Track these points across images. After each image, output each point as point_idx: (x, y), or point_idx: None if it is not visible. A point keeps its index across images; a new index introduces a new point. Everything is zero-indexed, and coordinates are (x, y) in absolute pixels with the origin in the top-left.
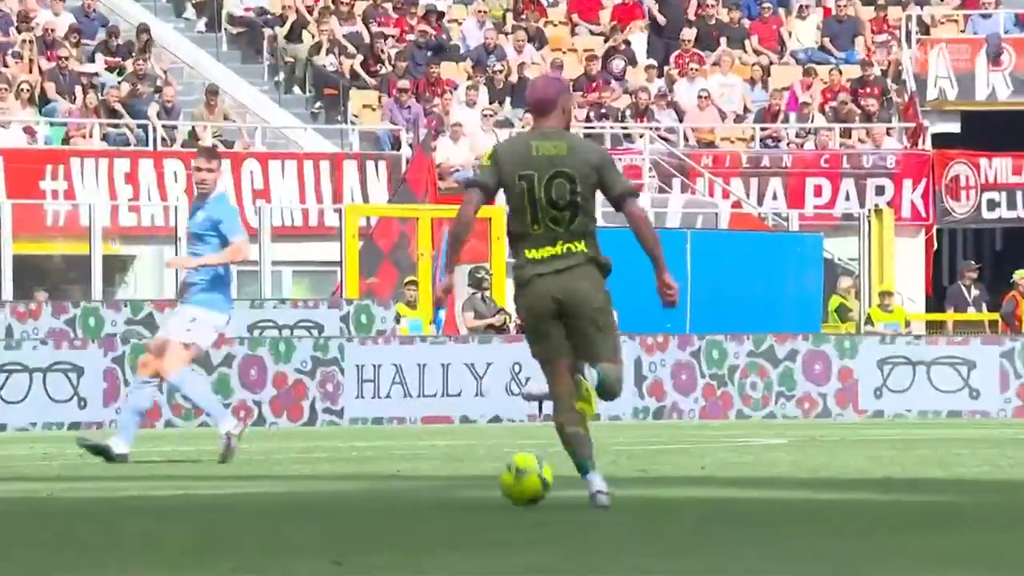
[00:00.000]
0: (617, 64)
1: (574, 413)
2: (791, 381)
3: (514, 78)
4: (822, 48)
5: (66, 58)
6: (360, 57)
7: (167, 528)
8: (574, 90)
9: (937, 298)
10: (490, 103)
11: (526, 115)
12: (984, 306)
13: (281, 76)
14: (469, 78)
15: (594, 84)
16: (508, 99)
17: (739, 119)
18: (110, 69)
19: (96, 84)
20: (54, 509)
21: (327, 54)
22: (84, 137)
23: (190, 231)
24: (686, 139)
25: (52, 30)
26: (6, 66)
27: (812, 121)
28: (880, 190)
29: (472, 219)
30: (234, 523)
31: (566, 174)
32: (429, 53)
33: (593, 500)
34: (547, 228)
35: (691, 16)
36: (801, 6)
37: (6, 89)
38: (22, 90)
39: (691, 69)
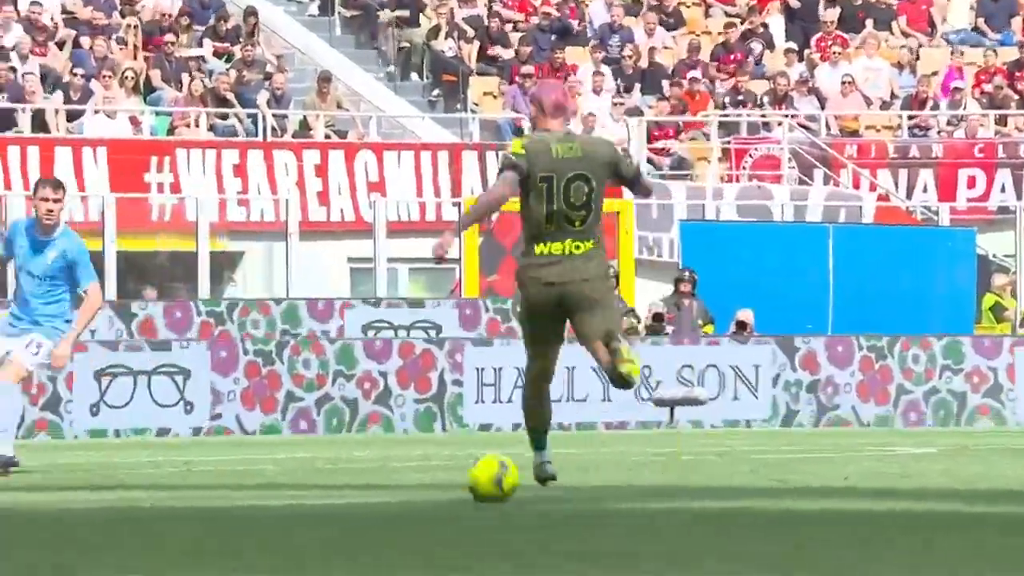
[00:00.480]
0: (755, 46)
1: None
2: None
3: (644, 63)
4: (976, 29)
5: (172, 43)
6: (480, 41)
7: (280, 539)
8: (708, 74)
9: None
10: (619, 90)
11: (660, 103)
12: None
13: (397, 62)
14: (600, 62)
15: (730, 69)
16: (638, 85)
17: (885, 106)
18: (218, 55)
19: (203, 71)
20: (155, 516)
21: (446, 38)
22: (190, 127)
23: (34, 273)
24: (828, 128)
25: (163, 15)
26: (110, 52)
27: (964, 108)
28: None
29: (506, 199)
30: (348, 533)
31: (584, 176)
32: (554, 36)
33: (542, 470)
34: (559, 227)
35: None
36: None
37: (110, 76)
38: (126, 77)
39: (834, 53)
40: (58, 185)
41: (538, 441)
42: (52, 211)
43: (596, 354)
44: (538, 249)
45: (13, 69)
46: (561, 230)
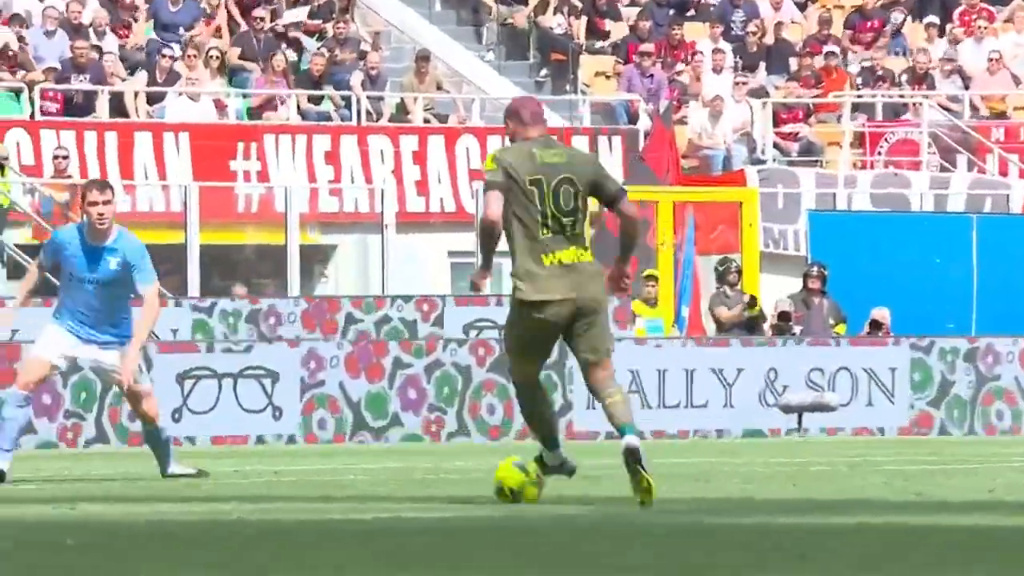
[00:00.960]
0: (895, 16)
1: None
2: None
3: (769, 39)
4: None
5: (260, 19)
6: (589, 16)
7: (363, 553)
8: (842, 48)
9: None
10: (740, 69)
11: (789, 83)
12: None
13: (501, 39)
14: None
15: (866, 40)
16: (763, 64)
17: None
18: (309, 33)
19: (293, 50)
20: (243, 531)
21: (554, 14)
22: (278, 110)
23: (94, 282)
24: (973, 109)
25: None
26: (194, 31)
27: None
28: None
29: (500, 217)
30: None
31: (571, 180)
32: (671, 11)
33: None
34: (555, 233)
35: None
36: None
37: (194, 56)
38: (211, 57)
39: (979, 27)
40: (105, 186)
41: (553, 440)
42: (103, 214)
43: (589, 377)
44: (546, 259)
45: (98, 49)
46: (557, 236)
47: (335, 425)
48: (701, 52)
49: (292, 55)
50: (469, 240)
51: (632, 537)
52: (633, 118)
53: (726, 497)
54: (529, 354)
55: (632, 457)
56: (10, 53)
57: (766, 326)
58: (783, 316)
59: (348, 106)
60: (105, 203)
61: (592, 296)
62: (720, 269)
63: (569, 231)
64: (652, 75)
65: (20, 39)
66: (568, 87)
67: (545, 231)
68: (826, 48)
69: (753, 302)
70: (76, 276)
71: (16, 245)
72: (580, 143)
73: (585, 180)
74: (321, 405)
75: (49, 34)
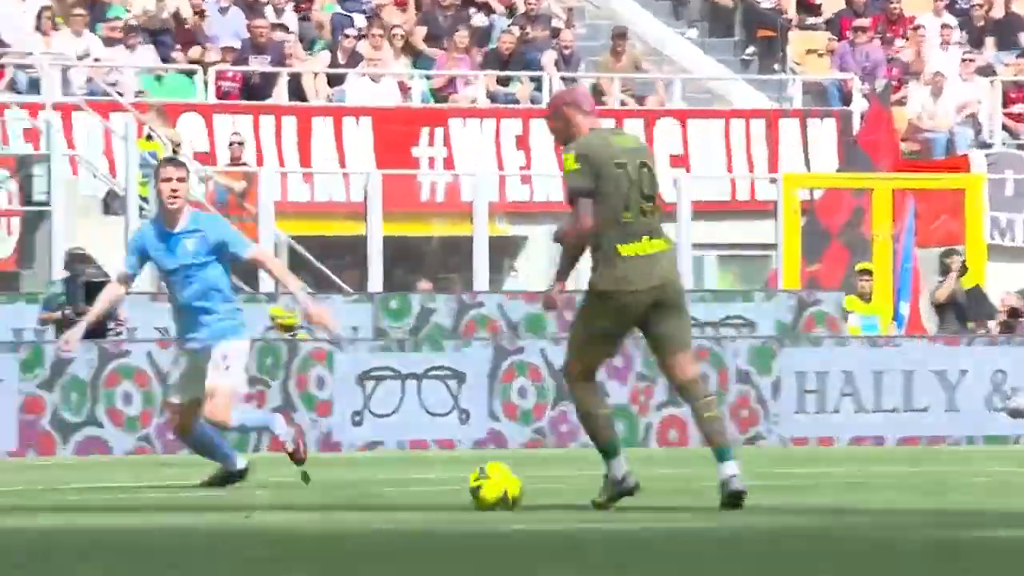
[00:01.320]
0: None
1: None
2: None
3: (998, 12)
4: None
5: None
6: None
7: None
8: None
9: None
10: (967, 45)
11: (1020, 60)
12: None
13: (704, 15)
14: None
15: None
16: (990, 40)
17: None
18: (495, 10)
19: (480, 28)
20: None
21: None
22: (461, 91)
23: (176, 269)
24: None
25: None
26: (379, 11)
27: None
28: None
29: (592, 230)
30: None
31: (648, 165)
32: None
33: (623, 482)
34: (637, 217)
35: None
36: None
37: (380, 35)
38: (395, 36)
39: None
40: (180, 163)
41: (614, 446)
42: (177, 191)
43: (677, 370)
44: (628, 250)
45: (283, 27)
46: (639, 222)
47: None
48: (923, 26)
49: (482, 20)
50: (669, 232)
51: (887, 554)
52: (847, 99)
53: (954, 509)
54: (598, 346)
55: (734, 501)
56: (186, 27)
57: (993, 325)
58: (1013, 313)
59: (539, 87)
60: (179, 180)
61: (674, 285)
62: (946, 262)
63: (649, 216)
64: (868, 52)
65: (198, 12)
66: (776, 66)
67: (628, 214)
68: None
69: (964, 268)
70: (161, 272)
71: None
72: (789, 126)
73: (653, 163)
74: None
75: (223, 11)
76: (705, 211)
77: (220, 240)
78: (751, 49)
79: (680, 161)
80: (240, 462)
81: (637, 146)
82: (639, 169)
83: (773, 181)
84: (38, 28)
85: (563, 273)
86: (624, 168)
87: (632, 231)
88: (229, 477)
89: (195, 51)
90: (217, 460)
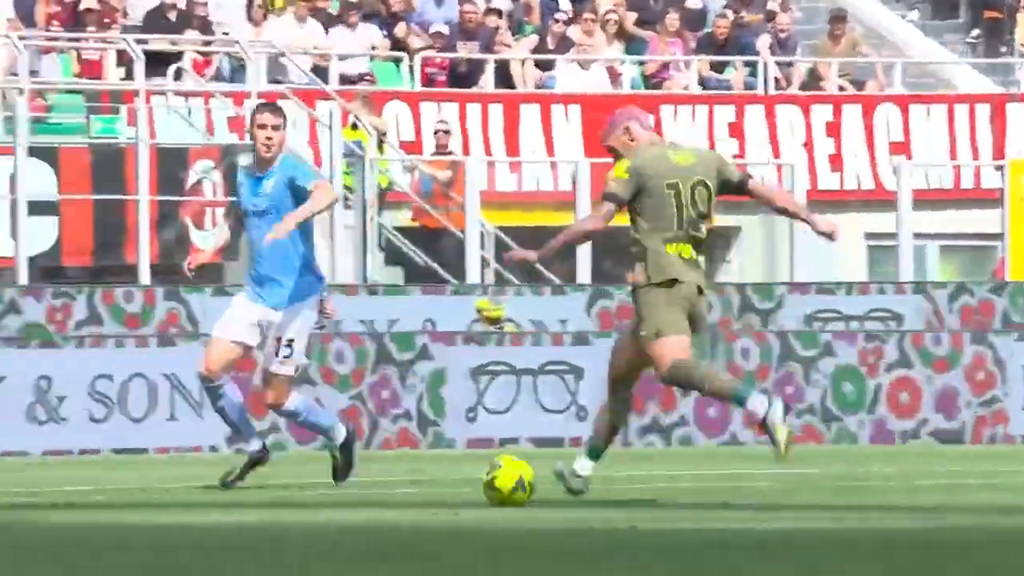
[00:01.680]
0: None
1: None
2: None
3: None
4: None
5: None
6: None
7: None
8: None
9: None
10: None
11: None
12: None
13: None
14: None
15: None
16: None
17: None
18: None
19: (694, 11)
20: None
21: None
22: (672, 77)
23: (255, 212)
24: None
25: None
26: None
27: None
28: None
29: (596, 232)
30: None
31: (704, 183)
32: None
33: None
34: (687, 233)
35: None
36: None
37: (592, 20)
38: (608, 21)
39: None
40: (277, 110)
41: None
42: (271, 139)
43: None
44: (673, 248)
45: (496, 12)
46: (687, 237)
47: None
48: None
49: (695, 2)
50: (889, 221)
51: None
52: None
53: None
54: (682, 326)
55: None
56: (394, 9)
57: None
58: None
59: (754, 73)
60: (274, 128)
61: (707, 299)
62: None
63: (702, 233)
64: None
65: None
66: (1004, 49)
67: (679, 230)
68: None
69: None
70: (243, 212)
71: (395, 228)
72: (1017, 111)
73: (713, 177)
74: None
75: None
76: (928, 200)
77: (291, 175)
78: (976, 32)
79: (900, 148)
80: (255, 443)
81: (696, 161)
82: (692, 189)
83: (999, 168)
84: (249, 18)
85: (552, 249)
86: (675, 188)
87: (677, 243)
88: (250, 464)
89: (400, 29)
90: (232, 431)
